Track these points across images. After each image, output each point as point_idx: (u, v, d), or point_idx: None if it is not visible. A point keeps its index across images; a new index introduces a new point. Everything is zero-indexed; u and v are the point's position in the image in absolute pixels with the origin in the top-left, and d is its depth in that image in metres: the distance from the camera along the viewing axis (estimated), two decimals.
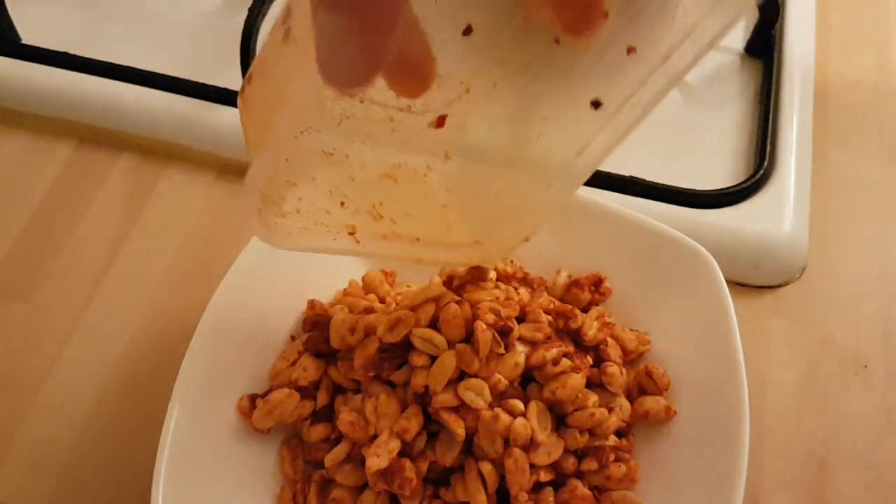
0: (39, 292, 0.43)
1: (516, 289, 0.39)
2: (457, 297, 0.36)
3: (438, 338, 0.35)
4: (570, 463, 0.35)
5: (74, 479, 0.38)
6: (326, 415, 0.38)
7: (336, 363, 0.38)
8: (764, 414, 0.40)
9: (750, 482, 0.37)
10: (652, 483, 0.36)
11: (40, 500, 0.37)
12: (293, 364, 0.38)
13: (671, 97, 0.51)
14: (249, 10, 0.47)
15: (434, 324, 0.36)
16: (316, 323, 0.39)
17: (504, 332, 0.35)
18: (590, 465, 0.35)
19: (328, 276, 0.41)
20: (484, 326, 0.35)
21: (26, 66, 0.50)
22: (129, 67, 0.49)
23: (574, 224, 0.41)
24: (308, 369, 0.37)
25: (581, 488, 0.35)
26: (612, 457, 0.36)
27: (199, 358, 0.36)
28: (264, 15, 0.48)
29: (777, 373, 0.41)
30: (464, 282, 0.38)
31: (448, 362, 0.34)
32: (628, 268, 0.41)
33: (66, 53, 0.50)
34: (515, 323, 0.36)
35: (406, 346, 0.36)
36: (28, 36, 0.52)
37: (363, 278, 0.41)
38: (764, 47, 0.52)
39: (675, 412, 0.37)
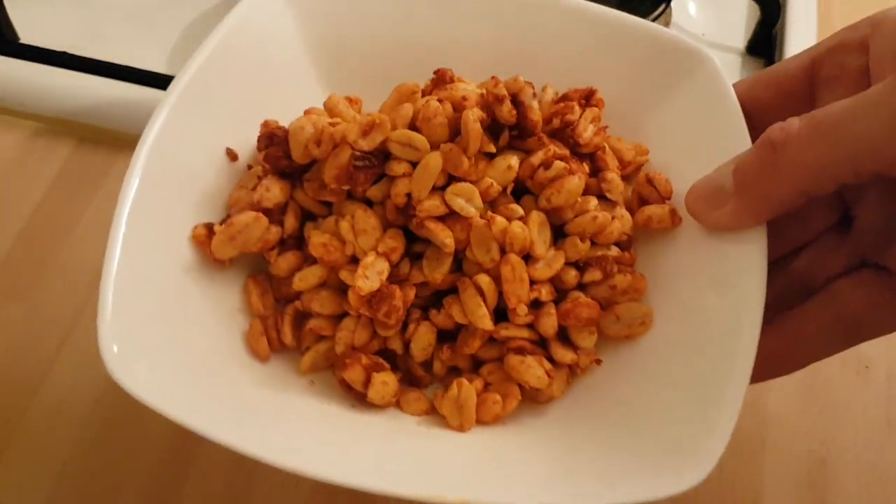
0: (39, 292, 0.43)
1: None
2: (437, 97, 0.32)
3: (419, 139, 0.31)
4: (572, 276, 0.33)
5: (74, 480, 0.38)
6: (295, 244, 0.35)
7: (302, 186, 0.34)
8: (765, 414, 0.40)
9: (750, 482, 0.37)
10: (657, 296, 0.33)
11: (39, 500, 0.37)
12: (254, 190, 0.34)
13: None
14: None
15: (413, 129, 0.32)
16: (272, 137, 0.34)
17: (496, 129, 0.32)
18: (593, 275, 0.32)
19: (287, 102, 0.37)
20: (473, 117, 0.31)
21: (25, 65, 0.49)
22: (128, 67, 0.49)
23: (555, 33, 0.38)
24: (272, 189, 0.33)
25: (584, 298, 0.32)
26: (615, 267, 0.33)
27: (142, 189, 0.31)
28: None
29: None
30: (429, 89, 0.34)
31: (433, 163, 0.31)
32: (620, 77, 0.37)
33: (64, 53, 0.50)
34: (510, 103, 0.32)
35: (382, 157, 0.32)
36: (27, 35, 0.51)
37: (325, 103, 0.37)
38: (765, 47, 0.52)
39: (681, 219, 0.34)
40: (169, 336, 0.31)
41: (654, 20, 0.51)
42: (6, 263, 0.44)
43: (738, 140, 0.32)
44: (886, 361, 0.41)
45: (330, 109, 0.36)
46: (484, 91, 0.33)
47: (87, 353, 0.41)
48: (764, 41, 0.52)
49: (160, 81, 0.48)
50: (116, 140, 0.48)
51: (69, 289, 0.43)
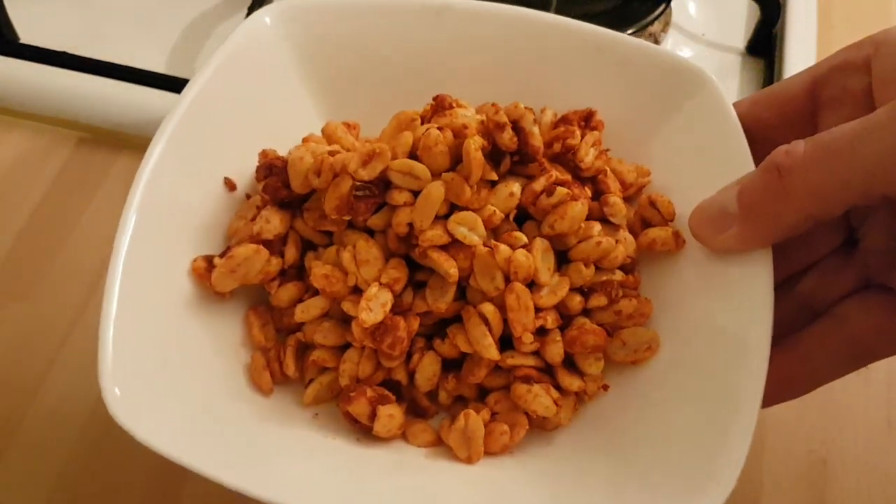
0: (38, 292, 0.43)
1: None
2: (437, 124, 0.32)
3: (420, 168, 0.31)
4: (577, 302, 0.32)
5: (74, 480, 0.38)
6: (296, 275, 0.34)
7: (302, 215, 0.34)
8: (765, 414, 0.40)
9: (750, 482, 0.37)
10: (663, 320, 0.33)
11: (39, 500, 0.37)
12: (253, 220, 0.34)
13: None
14: (249, 9, 0.47)
15: (413, 158, 0.32)
16: (271, 167, 0.34)
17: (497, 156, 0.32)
18: (598, 300, 0.32)
19: (284, 129, 0.37)
20: (475, 146, 0.31)
21: (25, 65, 0.49)
22: (128, 67, 0.49)
23: (554, 53, 0.37)
24: (272, 220, 0.33)
25: (590, 324, 0.32)
26: (620, 292, 0.33)
27: (140, 223, 0.31)
28: None
29: None
30: (428, 115, 0.34)
31: (436, 192, 0.31)
32: (620, 98, 0.37)
33: (64, 53, 0.50)
34: (510, 130, 0.32)
35: (382, 186, 0.32)
36: (26, 35, 0.51)
37: (323, 130, 0.36)
38: (765, 47, 0.52)
39: (685, 241, 0.33)
40: (171, 374, 0.30)
41: (654, 20, 0.51)
42: (6, 263, 0.44)
43: (741, 161, 0.32)
44: (886, 362, 0.41)
45: (328, 136, 0.36)
46: (484, 118, 0.33)
47: (87, 353, 0.41)
48: (764, 41, 0.52)
49: (160, 81, 0.48)
50: (116, 140, 0.48)
51: (69, 289, 0.43)
